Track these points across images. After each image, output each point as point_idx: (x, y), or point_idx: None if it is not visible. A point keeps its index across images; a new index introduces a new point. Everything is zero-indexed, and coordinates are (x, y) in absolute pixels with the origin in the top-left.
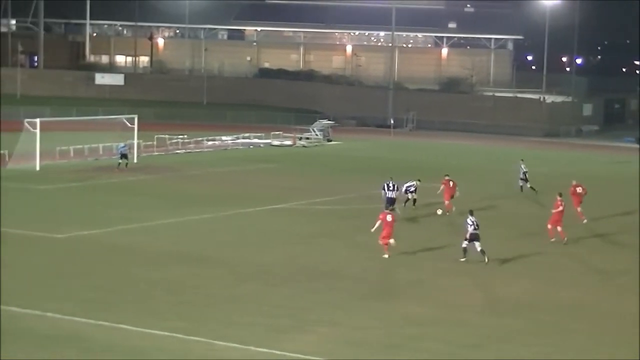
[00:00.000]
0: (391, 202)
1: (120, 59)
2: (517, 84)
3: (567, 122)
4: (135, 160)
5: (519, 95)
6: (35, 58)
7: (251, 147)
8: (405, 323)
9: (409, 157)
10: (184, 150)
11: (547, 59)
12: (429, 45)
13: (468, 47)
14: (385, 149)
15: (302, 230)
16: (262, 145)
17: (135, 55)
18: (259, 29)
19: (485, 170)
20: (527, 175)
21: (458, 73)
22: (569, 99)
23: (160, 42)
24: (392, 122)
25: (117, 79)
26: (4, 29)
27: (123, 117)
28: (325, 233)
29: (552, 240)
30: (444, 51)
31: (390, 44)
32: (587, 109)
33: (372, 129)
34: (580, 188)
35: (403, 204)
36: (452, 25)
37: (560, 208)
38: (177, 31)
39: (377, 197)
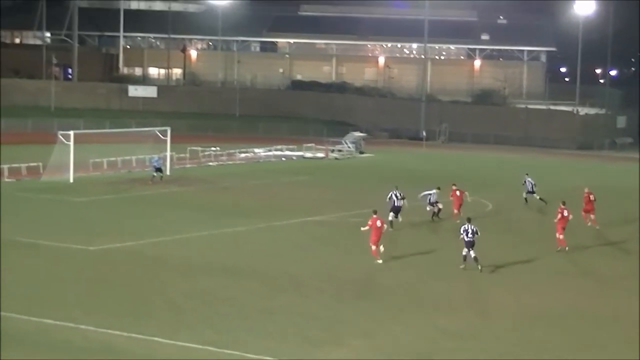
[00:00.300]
0: (397, 210)
1: (153, 71)
2: (550, 96)
3: (601, 135)
4: (168, 173)
5: (552, 107)
6: (69, 70)
7: (283, 159)
8: (439, 335)
9: (441, 169)
10: (216, 163)
11: (580, 70)
12: (462, 57)
13: (501, 59)
14: (418, 161)
15: (335, 243)
16: (294, 158)
17: (168, 68)
18: (291, 41)
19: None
20: (534, 187)
21: (491, 85)
22: (603, 111)
23: (193, 54)
24: (424, 134)
25: (150, 91)
26: (38, 42)
27: (156, 130)
28: (358, 245)
29: (559, 249)
30: (477, 63)
31: (422, 56)
32: (621, 121)
33: (405, 141)
34: (593, 196)
35: (431, 218)
36: (484, 37)
37: (559, 216)
38: (210, 43)
39: (410, 210)
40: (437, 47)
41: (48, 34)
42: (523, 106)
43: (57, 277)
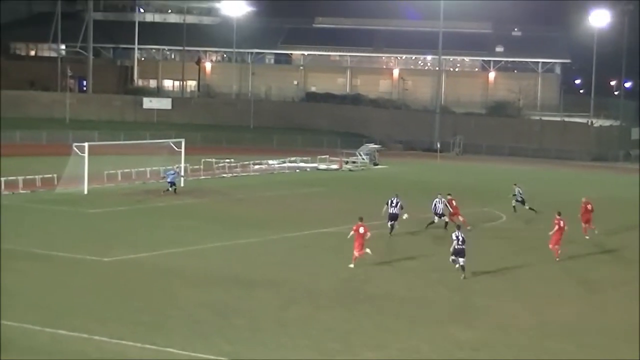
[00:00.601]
0: (393, 217)
1: (168, 83)
2: (565, 107)
3: (615, 146)
4: (182, 184)
5: (567, 119)
6: (84, 82)
7: (298, 170)
8: (455, 347)
9: (455, 181)
10: (230, 174)
11: (595, 82)
12: (476, 69)
13: (515, 71)
14: (432, 173)
15: (348, 254)
16: (308, 169)
17: (182, 80)
18: (306, 52)
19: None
20: (523, 196)
21: (505, 97)
22: (617, 123)
23: (208, 66)
24: (438, 145)
25: (165, 103)
26: (54, 54)
27: (170, 141)
28: (372, 256)
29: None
30: (491, 75)
31: (437, 68)
32: (636, 133)
33: (419, 153)
34: (590, 205)
35: (444, 228)
36: (499, 49)
37: (556, 227)
38: (225, 55)
39: (424, 220)
40: (451, 59)
41: (63, 46)
42: (537, 118)
43: (72, 288)
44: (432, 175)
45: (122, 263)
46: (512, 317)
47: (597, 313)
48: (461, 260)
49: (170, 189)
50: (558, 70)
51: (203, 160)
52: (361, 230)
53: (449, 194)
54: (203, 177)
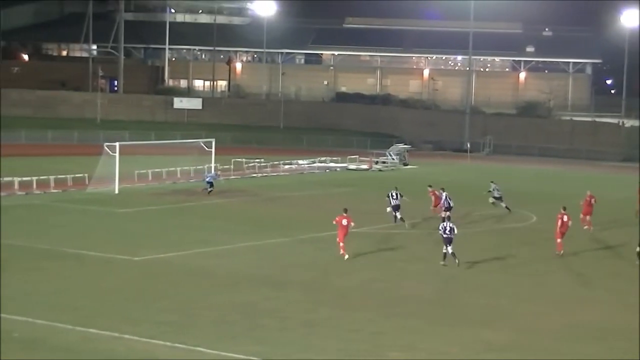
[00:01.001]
0: (396, 208)
1: (198, 83)
2: (596, 108)
3: None
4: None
5: (598, 119)
6: (115, 82)
7: (327, 171)
8: (483, 348)
9: (485, 182)
10: (260, 174)
11: (626, 82)
12: (507, 69)
13: (546, 71)
14: (462, 173)
15: (377, 255)
16: (338, 169)
17: (213, 80)
18: (336, 53)
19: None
20: (500, 193)
21: (536, 97)
22: None
23: (238, 66)
24: (468, 146)
25: (195, 103)
26: (85, 54)
27: (200, 141)
28: (401, 257)
29: (557, 253)
30: (522, 75)
31: (467, 68)
32: None
33: (449, 153)
34: (594, 199)
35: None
36: (530, 49)
37: (560, 222)
38: (255, 55)
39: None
40: (482, 59)
41: (94, 47)
42: (568, 118)
43: (102, 288)
44: (462, 176)
45: (152, 262)
46: (541, 319)
47: (626, 315)
48: (449, 248)
49: (210, 189)
50: (589, 70)
51: (233, 160)
52: (344, 222)
53: (429, 186)
54: (233, 177)
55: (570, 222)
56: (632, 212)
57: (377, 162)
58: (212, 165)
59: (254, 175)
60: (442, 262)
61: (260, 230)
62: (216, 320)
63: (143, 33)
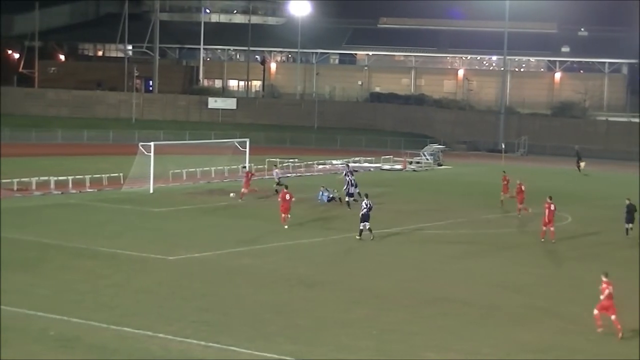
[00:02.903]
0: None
1: (232, 83)
2: (632, 108)
3: None
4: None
5: (633, 119)
6: (150, 82)
7: (361, 171)
8: (517, 349)
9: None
10: (294, 174)
11: None
12: (542, 70)
13: (581, 71)
14: (496, 174)
15: (412, 255)
16: (372, 169)
17: (247, 80)
18: (370, 53)
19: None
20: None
21: (571, 97)
22: None
23: (273, 66)
24: (503, 146)
25: (230, 103)
26: (120, 54)
27: (235, 141)
28: (435, 258)
29: (542, 240)
30: (557, 75)
31: (502, 68)
32: None
33: (483, 154)
34: (524, 186)
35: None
36: (565, 49)
37: (547, 211)
38: (289, 55)
39: (487, 222)
40: (516, 60)
41: (130, 47)
42: (604, 119)
43: (136, 287)
44: (496, 177)
45: (187, 262)
46: (574, 321)
47: None
48: (367, 224)
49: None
50: (625, 70)
51: (267, 160)
52: (287, 197)
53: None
54: (267, 177)
55: (554, 209)
56: None
57: (411, 163)
58: (247, 165)
59: (288, 175)
60: (357, 237)
61: (294, 229)
62: (250, 320)
63: (178, 33)
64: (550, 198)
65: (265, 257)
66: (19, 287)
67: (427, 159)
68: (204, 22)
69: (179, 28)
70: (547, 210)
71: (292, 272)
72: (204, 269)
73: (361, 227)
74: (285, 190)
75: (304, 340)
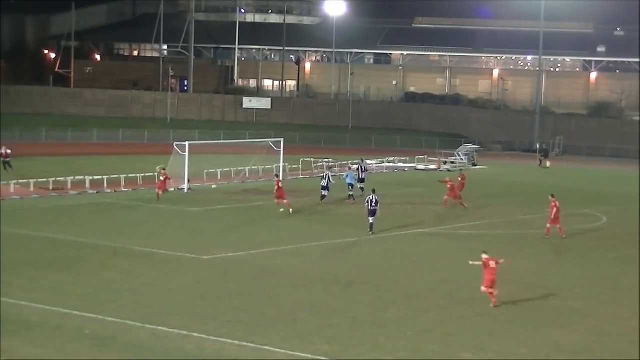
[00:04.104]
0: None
1: (267, 83)
2: None
3: None
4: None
5: None
6: (186, 82)
7: (396, 171)
8: (554, 350)
9: (553, 183)
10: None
11: None
12: (577, 70)
13: (617, 71)
14: (531, 174)
15: (447, 255)
16: (406, 170)
17: (282, 80)
18: (405, 53)
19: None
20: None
21: (607, 97)
22: None
23: (307, 66)
24: (538, 146)
25: (264, 103)
26: (156, 54)
27: (269, 141)
28: (471, 258)
29: (547, 237)
30: (593, 75)
31: (537, 68)
32: None
33: (518, 154)
34: (464, 181)
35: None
36: (601, 49)
37: (555, 210)
38: (324, 55)
39: (523, 222)
40: (552, 59)
41: (165, 47)
42: None
43: (171, 286)
44: (531, 177)
45: (221, 261)
46: (612, 321)
47: None
48: (371, 219)
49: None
50: None
51: (302, 159)
52: (280, 185)
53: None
54: (302, 177)
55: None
56: None
57: (445, 163)
58: (281, 164)
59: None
60: (370, 232)
61: (329, 229)
62: (285, 320)
63: (213, 33)
64: (553, 196)
65: (300, 257)
66: (55, 286)
67: (462, 159)
68: (239, 22)
69: (214, 28)
70: (551, 209)
71: (327, 272)
72: (239, 269)
73: (371, 222)
74: (277, 179)
75: (339, 340)
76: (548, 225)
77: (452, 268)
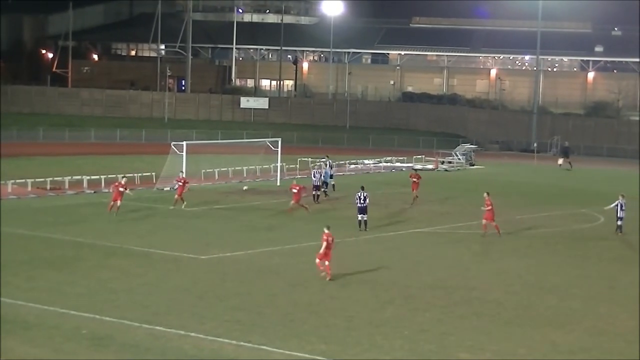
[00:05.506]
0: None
1: (265, 83)
2: None
3: None
4: (278, 184)
5: None
6: (183, 82)
7: (393, 170)
8: (551, 350)
9: (551, 182)
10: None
11: None
12: (575, 69)
13: (615, 71)
14: (528, 174)
15: (444, 254)
16: (404, 169)
17: (279, 79)
18: (402, 52)
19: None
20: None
21: (604, 97)
22: None
23: (305, 66)
24: (535, 146)
25: (262, 103)
26: (153, 54)
27: (267, 141)
28: (468, 258)
29: (484, 232)
30: (590, 75)
31: (535, 68)
32: None
33: (516, 154)
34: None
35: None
36: (598, 48)
37: (490, 207)
38: (322, 55)
39: (520, 222)
40: (549, 59)
41: (163, 47)
42: (637, 119)
43: (169, 286)
44: (528, 177)
45: (219, 261)
46: (610, 321)
47: None
48: (364, 216)
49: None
50: None
51: (299, 159)
52: (297, 189)
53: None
54: (299, 177)
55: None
56: None
57: (443, 162)
58: (279, 164)
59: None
60: (360, 229)
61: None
62: (283, 319)
63: (211, 33)
64: (488, 194)
65: (298, 257)
66: (52, 286)
67: (459, 159)
68: (237, 22)
69: (211, 28)
70: (490, 206)
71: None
72: (237, 268)
73: (359, 219)
74: (294, 184)
75: (337, 339)
76: (484, 222)
77: (449, 268)
